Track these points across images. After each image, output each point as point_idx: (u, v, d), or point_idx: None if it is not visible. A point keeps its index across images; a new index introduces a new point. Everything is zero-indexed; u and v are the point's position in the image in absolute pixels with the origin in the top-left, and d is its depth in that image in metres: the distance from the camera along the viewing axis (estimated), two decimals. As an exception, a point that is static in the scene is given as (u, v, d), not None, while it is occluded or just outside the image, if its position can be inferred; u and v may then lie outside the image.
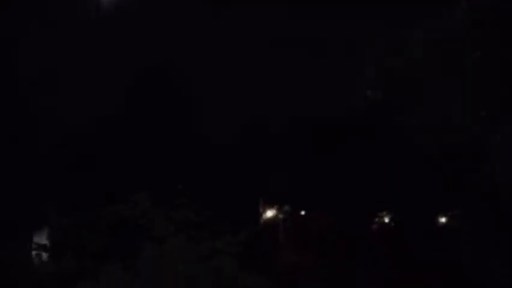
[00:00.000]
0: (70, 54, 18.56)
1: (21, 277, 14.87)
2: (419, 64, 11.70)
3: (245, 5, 19.13)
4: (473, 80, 11.31)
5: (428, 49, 11.85)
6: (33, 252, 17.47)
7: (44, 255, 16.96)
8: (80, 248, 15.43)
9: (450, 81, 11.58)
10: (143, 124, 20.77)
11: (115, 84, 19.57)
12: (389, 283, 20.12)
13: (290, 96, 20.12)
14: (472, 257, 21.15)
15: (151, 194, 14.24)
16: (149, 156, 20.03)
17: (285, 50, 18.98)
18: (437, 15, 11.72)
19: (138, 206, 14.21)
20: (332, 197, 22.12)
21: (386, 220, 24.75)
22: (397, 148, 20.05)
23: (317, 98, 19.28)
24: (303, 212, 25.16)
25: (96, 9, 19.17)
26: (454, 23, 11.48)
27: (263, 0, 19.15)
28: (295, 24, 18.78)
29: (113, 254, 13.59)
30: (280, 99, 20.30)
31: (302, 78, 19.85)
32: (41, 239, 18.33)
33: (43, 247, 17.44)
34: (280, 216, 25.15)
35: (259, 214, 24.44)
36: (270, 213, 25.06)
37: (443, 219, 24.54)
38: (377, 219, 24.79)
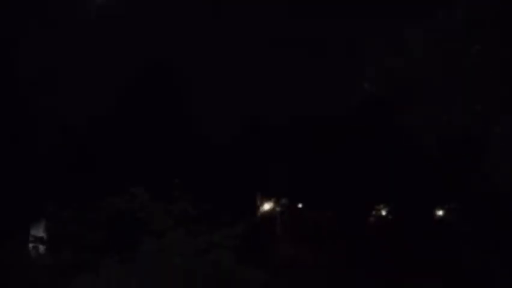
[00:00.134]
0: (69, 54, 18.55)
1: (17, 270, 14.87)
2: (419, 64, 11.71)
3: (245, 5, 19.13)
4: (472, 80, 11.30)
5: (428, 49, 11.86)
6: (30, 245, 17.51)
7: (41, 248, 16.92)
8: (78, 241, 15.44)
9: (450, 81, 11.59)
10: (142, 119, 20.83)
11: (115, 82, 19.55)
12: (387, 276, 20.20)
13: (290, 95, 20.19)
14: (471, 255, 21.27)
15: (150, 188, 14.30)
16: (147, 151, 20.08)
17: (285, 50, 19.02)
18: (437, 15, 11.72)
19: (137, 199, 14.27)
20: (329, 190, 22.20)
21: (383, 213, 24.85)
22: (394, 144, 20.15)
23: (316, 97, 19.31)
24: (300, 205, 25.32)
25: (95, 9, 19.17)
26: (453, 23, 11.47)
27: (263, 0, 19.17)
28: (295, 24, 18.81)
29: (112, 247, 13.62)
30: (280, 97, 20.37)
31: (302, 78, 19.92)
32: (38, 231, 18.31)
33: (40, 240, 17.41)
34: (278, 209, 25.25)
35: (257, 207, 24.43)
36: (267, 206, 25.08)
37: (440, 213, 24.65)
38: (374, 212, 24.92)
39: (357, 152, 21.86)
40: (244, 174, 21.48)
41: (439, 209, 24.54)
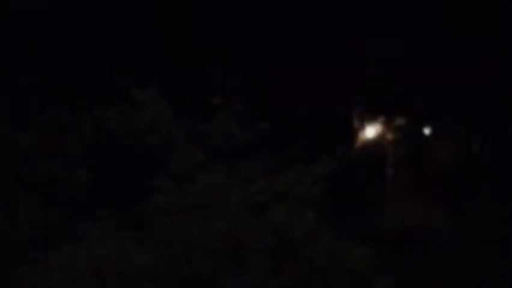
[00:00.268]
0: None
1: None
2: None
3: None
4: None
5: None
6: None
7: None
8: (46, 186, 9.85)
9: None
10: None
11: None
12: None
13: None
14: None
15: (167, 92, 8.54)
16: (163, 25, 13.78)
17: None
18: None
19: (145, 111, 8.54)
20: (479, 101, 15.43)
21: None
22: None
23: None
24: (427, 131, 18.47)
25: None
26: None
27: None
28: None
29: (102, 201, 8.04)
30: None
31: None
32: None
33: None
34: (389, 137, 18.23)
35: (354, 132, 17.26)
36: (371, 132, 17.45)
37: None
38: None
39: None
40: (332, 71, 14.54)
41: None
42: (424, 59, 16.22)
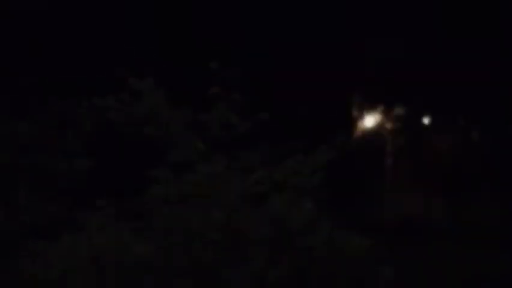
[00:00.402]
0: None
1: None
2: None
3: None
4: None
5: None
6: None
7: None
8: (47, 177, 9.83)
9: None
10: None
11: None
12: None
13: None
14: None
15: (164, 81, 8.50)
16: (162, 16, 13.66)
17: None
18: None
19: (142, 101, 8.50)
20: (478, 91, 15.32)
21: None
22: None
23: None
24: (427, 121, 18.39)
25: None
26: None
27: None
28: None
29: (102, 191, 8.02)
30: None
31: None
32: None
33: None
34: (389, 126, 18.29)
35: (353, 122, 17.24)
36: (370, 121, 17.32)
37: None
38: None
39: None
40: (331, 59, 14.45)
41: None
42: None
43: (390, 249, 9.13)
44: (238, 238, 7.92)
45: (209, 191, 7.90)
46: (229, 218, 7.80)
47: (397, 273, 7.91)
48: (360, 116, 17.05)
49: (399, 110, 17.19)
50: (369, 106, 17.04)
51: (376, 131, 17.22)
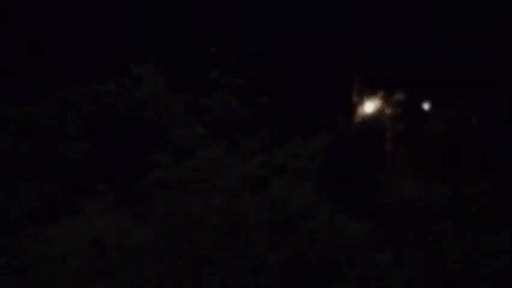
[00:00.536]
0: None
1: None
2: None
3: None
4: None
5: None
6: None
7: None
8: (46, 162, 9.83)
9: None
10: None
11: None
12: None
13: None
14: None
15: (166, 66, 8.47)
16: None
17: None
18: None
19: (143, 85, 8.48)
20: (476, 73, 15.26)
21: None
22: None
23: None
24: (427, 106, 18.25)
25: None
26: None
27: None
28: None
29: (102, 175, 8.00)
30: None
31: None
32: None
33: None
34: (389, 112, 18.12)
35: (353, 107, 17.13)
36: (370, 107, 17.23)
37: None
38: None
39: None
40: (331, 45, 14.42)
41: None
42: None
43: (390, 234, 9.12)
44: (238, 223, 7.91)
45: (209, 176, 7.90)
46: (230, 203, 7.79)
47: (397, 258, 7.90)
48: (360, 102, 17.01)
49: (399, 96, 17.12)
50: (369, 91, 17.03)
51: (376, 117, 17.16)
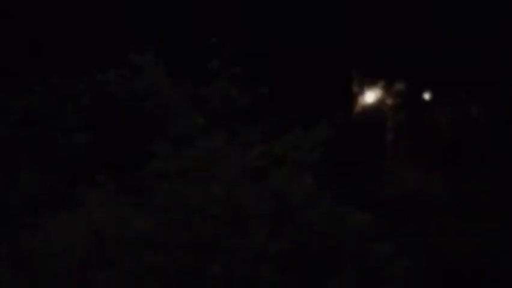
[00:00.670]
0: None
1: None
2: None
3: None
4: None
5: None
6: None
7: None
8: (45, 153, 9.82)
9: None
10: None
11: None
12: None
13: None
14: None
15: (166, 55, 8.45)
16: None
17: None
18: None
19: (143, 75, 8.45)
20: (478, 64, 15.22)
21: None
22: None
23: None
24: (427, 96, 17.76)
25: None
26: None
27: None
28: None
29: (101, 165, 8.00)
30: None
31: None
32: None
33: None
34: (389, 102, 17.83)
35: (353, 97, 16.76)
36: (371, 97, 16.99)
37: None
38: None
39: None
40: (332, 36, 14.40)
41: None
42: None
43: (390, 224, 9.10)
44: (238, 213, 7.90)
45: (209, 166, 7.89)
46: (229, 192, 7.79)
47: (397, 248, 7.89)
48: (361, 92, 16.91)
49: (399, 86, 17.03)
50: (370, 82, 16.97)
51: (377, 107, 17.06)
